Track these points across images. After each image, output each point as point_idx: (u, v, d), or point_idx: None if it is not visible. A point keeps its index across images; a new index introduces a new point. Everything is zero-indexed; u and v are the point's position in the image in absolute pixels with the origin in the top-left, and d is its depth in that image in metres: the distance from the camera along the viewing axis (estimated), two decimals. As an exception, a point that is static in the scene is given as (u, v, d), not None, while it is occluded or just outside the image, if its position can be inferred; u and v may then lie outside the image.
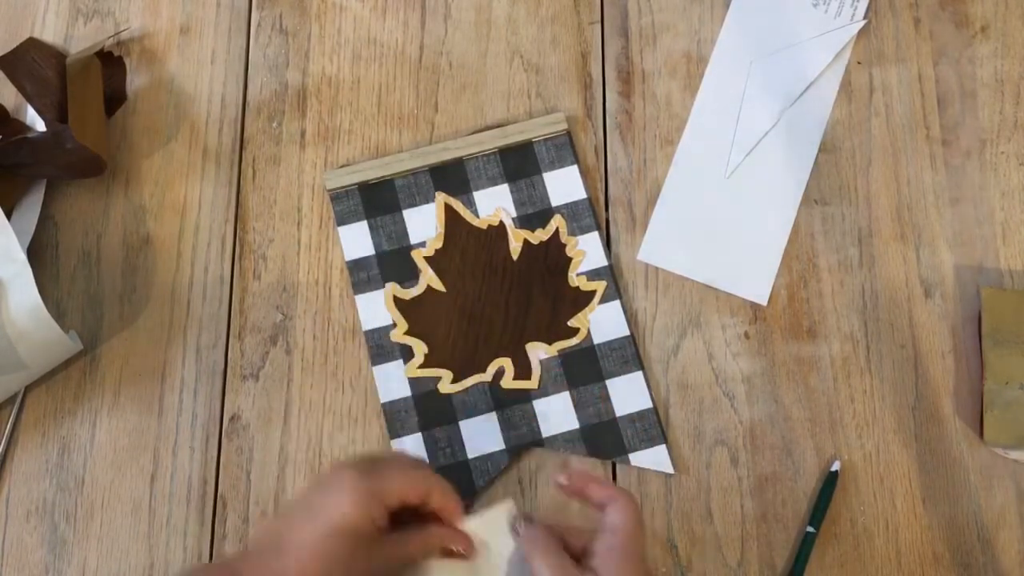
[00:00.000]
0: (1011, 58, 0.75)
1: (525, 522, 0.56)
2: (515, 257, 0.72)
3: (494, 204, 0.73)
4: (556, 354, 0.70)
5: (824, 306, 0.70)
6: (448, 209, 0.73)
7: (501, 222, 0.72)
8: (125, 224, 0.74)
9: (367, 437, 0.69)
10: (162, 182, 0.74)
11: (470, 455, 0.68)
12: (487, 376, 0.70)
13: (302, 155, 0.75)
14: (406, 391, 0.69)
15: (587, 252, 0.72)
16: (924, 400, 0.69)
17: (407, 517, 0.55)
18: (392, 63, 0.77)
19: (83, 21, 0.78)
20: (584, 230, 0.72)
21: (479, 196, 0.73)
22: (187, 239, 0.73)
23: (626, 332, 0.70)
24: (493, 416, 0.69)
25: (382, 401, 0.69)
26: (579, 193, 0.73)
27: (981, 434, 0.67)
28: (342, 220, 0.73)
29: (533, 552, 0.53)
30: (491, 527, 0.57)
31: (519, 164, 0.73)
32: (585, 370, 0.69)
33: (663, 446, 0.68)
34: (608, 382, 0.69)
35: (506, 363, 0.70)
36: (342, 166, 0.74)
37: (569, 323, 0.70)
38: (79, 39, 0.78)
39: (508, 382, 0.69)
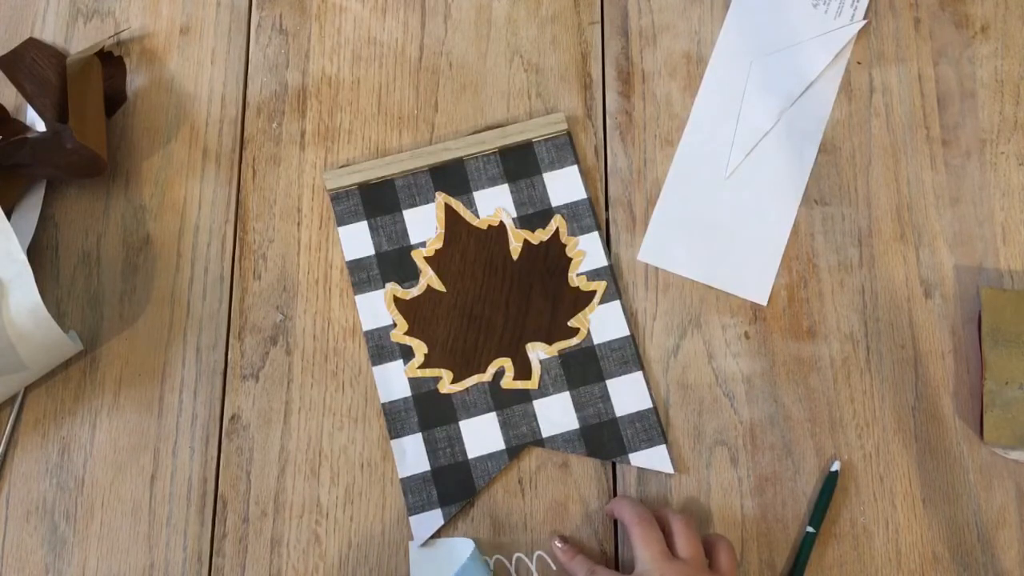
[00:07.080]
0: (1011, 58, 0.75)
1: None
2: (515, 257, 0.72)
3: (494, 204, 0.73)
4: (556, 354, 0.70)
5: (824, 306, 0.70)
6: (448, 209, 0.73)
7: (501, 222, 0.72)
8: (125, 224, 0.74)
9: (367, 437, 0.69)
10: (162, 182, 0.74)
11: (470, 455, 0.68)
12: (487, 376, 0.70)
13: (302, 155, 0.75)
14: (406, 391, 0.69)
15: (587, 252, 0.72)
16: (924, 400, 0.69)
17: None
18: (392, 63, 0.77)
19: (83, 21, 0.78)
20: (584, 230, 0.72)
21: (479, 196, 0.73)
22: (187, 239, 0.73)
23: (626, 332, 0.70)
24: (493, 416, 0.69)
25: (382, 401, 0.69)
26: (579, 193, 0.73)
27: (981, 434, 0.67)
28: (342, 220, 0.73)
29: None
30: None
31: (519, 164, 0.73)
32: (585, 370, 0.69)
33: (663, 446, 0.68)
34: (608, 382, 0.69)
35: (506, 363, 0.70)
36: (342, 166, 0.74)
37: (569, 323, 0.70)
38: (79, 39, 0.78)
39: (508, 382, 0.69)
